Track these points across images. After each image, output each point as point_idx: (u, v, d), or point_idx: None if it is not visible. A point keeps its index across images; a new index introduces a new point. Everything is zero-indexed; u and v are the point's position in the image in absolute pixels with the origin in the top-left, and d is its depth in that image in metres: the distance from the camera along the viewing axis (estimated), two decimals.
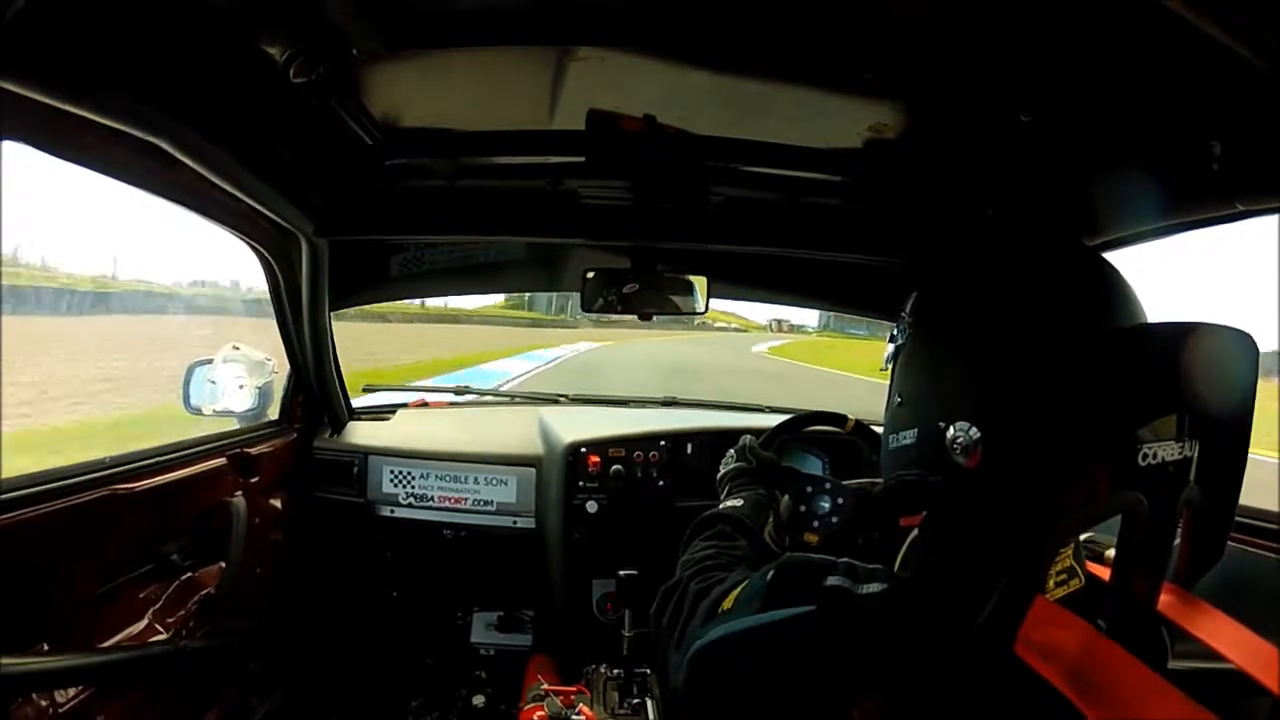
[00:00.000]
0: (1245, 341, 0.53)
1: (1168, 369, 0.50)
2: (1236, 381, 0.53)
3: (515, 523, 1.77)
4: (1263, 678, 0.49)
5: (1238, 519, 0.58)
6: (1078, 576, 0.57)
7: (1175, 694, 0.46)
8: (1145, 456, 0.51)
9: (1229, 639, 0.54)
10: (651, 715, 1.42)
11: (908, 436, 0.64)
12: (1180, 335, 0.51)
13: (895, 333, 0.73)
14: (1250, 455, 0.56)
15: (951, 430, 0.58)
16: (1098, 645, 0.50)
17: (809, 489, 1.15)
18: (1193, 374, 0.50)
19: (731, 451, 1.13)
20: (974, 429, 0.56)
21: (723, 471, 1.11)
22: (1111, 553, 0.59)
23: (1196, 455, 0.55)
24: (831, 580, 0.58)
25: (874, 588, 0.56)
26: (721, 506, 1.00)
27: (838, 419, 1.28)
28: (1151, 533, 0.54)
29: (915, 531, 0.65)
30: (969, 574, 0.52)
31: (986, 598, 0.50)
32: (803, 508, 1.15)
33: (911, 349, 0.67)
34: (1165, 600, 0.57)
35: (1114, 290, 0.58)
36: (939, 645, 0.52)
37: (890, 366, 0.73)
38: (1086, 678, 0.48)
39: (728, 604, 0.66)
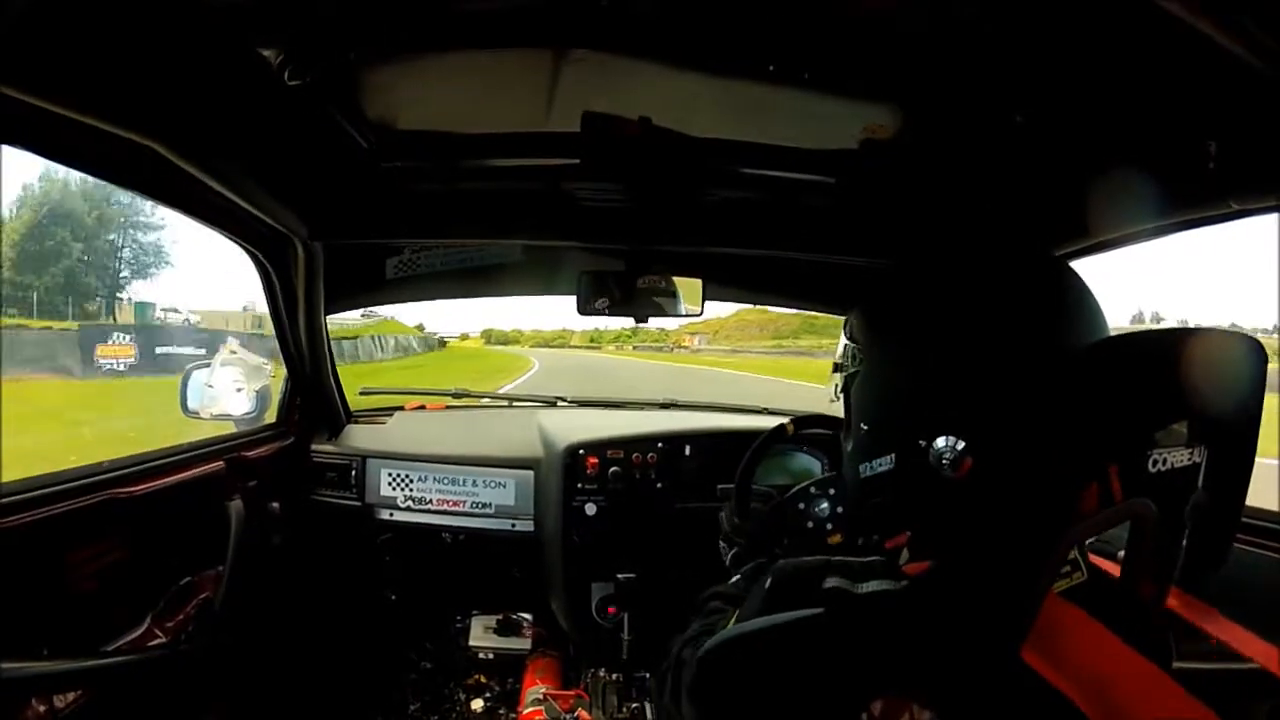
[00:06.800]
0: (1253, 347, 0.53)
1: (1177, 375, 0.50)
2: (1244, 387, 0.53)
3: (514, 525, 1.77)
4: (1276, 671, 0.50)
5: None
6: (1080, 570, 0.57)
7: (1181, 693, 0.46)
8: (1155, 463, 0.52)
9: (1237, 644, 0.54)
10: (651, 719, 1.42)
11: (884, 463, 0.62)
12: (1189, 341, 0.51)
13: (842, 360, 0.71)
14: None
15: (936, 446, 0.57)
16: (1102, 643, 0.50)
17: (801, 505, 1.14)
18: (1202, 380, 0.50)
19: (721, 542, 1.15)
20: (958, 441, 0.56)
21: (726, 556, 1.13)
22: (1121, 553, 0.60)
23: (1205, 461, 0.55)
24: (830, 582, 0.57)
25: (874, 586, 0.56)
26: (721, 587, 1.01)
27: (830, 421, 1.26)
28: (1160, 538, 0.54)
29: (905, 552, 0.65)
30: (979, 575, 0.52)
31: (997, 599, 0.50)
32: (810, 524, 1.14)
33: (869, 372, 0.66)
34: (1172, 605, 0.58)
35: (1082, 300, 0.59)
36: (950, 647, 0.52)
37: (842, 396, 0.72)
38: (1090, 677, 0.48)
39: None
